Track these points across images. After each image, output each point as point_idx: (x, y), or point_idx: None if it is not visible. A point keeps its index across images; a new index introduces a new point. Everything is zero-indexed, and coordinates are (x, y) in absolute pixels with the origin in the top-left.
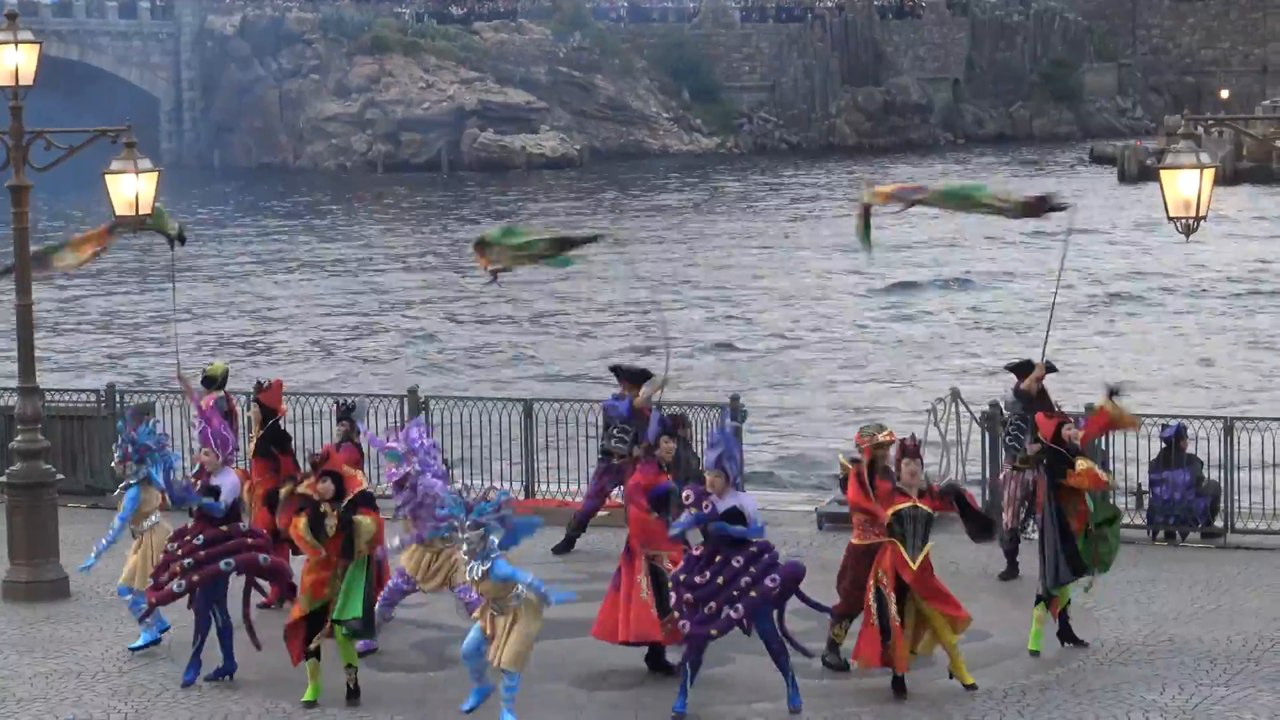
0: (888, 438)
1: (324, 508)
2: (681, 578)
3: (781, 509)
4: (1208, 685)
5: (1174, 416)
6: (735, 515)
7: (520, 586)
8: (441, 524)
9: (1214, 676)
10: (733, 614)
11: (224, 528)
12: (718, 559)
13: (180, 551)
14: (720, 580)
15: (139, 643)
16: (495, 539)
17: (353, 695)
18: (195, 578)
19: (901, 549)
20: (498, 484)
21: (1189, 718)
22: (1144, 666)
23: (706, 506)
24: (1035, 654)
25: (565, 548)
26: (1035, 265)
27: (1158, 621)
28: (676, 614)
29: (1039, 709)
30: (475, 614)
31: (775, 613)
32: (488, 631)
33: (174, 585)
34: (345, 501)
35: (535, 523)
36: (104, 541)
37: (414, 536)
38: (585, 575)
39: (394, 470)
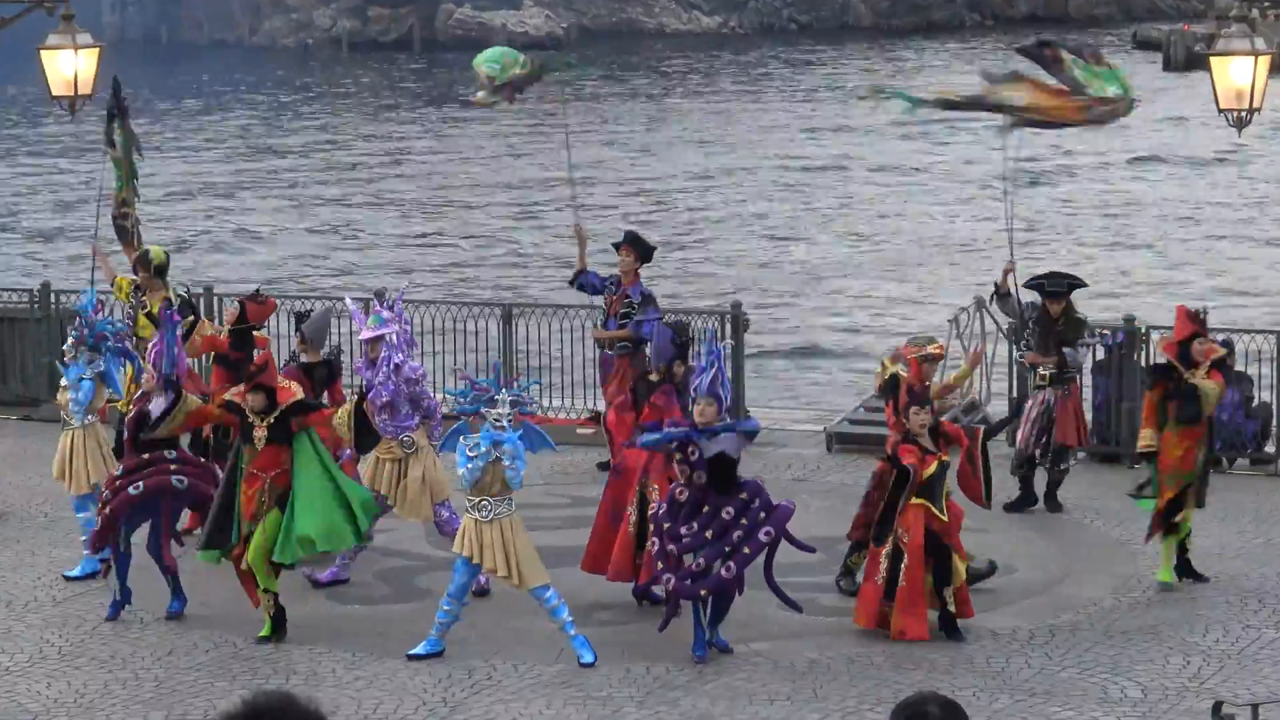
0: (937, 350)
1: (251, 419)
2: (666, 526)
3: (788, 429)
4: (1255, 627)
5: (1224, 330)
6: (721, 462)
7: (505, 463)
8: (466, 401)
9: (1261, 618)
10: (724, 573)
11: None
12: (705, 509)
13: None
14: (709, 533)
15: (76, 571)
16: (509, 424)
17: (278, 628)
18: (152, 481)
19: (930, 506)
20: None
21: (1233, 662)
22: (1184, 606)
23: (693, 453)
24: (1166, 586)
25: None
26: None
27: (1199, 556)
28: (659, 565)
29: (1068, 652)
30: (456, 545)
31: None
32: (474, 556)
33: (130, 489)
34: (277, 413)
35: (548, 442)
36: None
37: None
38: (567, 500)
39: (370, 331)
